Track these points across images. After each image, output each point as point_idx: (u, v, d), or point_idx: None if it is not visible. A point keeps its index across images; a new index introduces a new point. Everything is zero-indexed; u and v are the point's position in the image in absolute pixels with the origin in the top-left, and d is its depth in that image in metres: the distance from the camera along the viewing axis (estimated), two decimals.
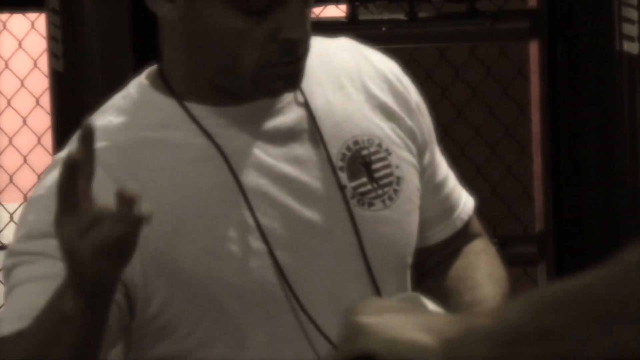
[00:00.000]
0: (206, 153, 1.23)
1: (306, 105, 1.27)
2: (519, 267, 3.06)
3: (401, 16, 3.02)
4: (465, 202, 1.40)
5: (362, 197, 1.26)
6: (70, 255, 1.04)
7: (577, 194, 2.96)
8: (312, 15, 1.29)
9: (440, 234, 1.37)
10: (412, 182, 1.30)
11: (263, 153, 1.24)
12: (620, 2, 2.79)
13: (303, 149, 1.25)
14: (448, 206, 1.38)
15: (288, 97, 1.26)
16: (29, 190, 4.65)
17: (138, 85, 1.29)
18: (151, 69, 1.29)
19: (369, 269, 1.25)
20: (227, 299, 1.21)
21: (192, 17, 1.20)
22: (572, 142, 2.96)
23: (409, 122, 1.31)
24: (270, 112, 1.26)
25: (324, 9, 3.42)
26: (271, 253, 1.21)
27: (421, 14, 2.90)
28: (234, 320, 1.22)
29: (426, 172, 1.34)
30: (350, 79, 1.31)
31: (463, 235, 1.39)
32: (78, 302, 1.07)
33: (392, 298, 1.03)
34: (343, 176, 1.25)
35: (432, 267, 1.39)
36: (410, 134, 1.31)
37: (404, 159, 1.29)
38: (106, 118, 1.27)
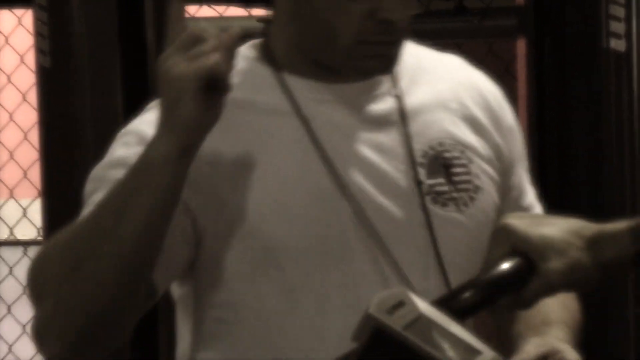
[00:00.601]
0: (292, 121, 1.25)
1: (400, 99, 1.28)
2: None
3: None
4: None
5: (437, 196, 1.27)
6: (171, 84, 1.09)
7: (564, 190, 2.94)
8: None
9: None
10: (490, 195, 1.31)
11: (349, 132, 1.26)
12: (608, 0, 2.79)
13: (388, 139, 1.27)
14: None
15: (384, 87, 1.29)
16: (15, 185, 4.66)
17: (240, 52, 1.28)
18: (257, 40, 1.33)
19: (440, 263, 1.26)
20: (285, 260, 1.22)
21: None
22: (560, 139, 2.96)
23: (497, 139, 1.33)
24: (365, 97, 1.28)
25: None
26: (355, 212, 1.22)
27: None
28: (289, 279, 1.23)
29: (511, 193, 1.35)
30: (449, 88, 1.33)
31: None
32: (167, 146, 1.10)
33: (376, 296, 1.01)
34: (422, 172, 1.26)
35: None
36: (497, 151, 1.33)
37: (485, 172, 1.30)
38: None
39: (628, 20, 2.79)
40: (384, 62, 1.25)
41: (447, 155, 1.28)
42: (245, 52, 1.30)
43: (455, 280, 1.23)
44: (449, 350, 0.94)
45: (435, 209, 1.26)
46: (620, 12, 2.79)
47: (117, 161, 1.23)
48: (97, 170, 1.26)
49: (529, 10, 2.96)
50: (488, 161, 1.31)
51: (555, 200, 2.90)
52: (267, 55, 1.30)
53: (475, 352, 0.94)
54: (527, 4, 2.98)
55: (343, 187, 1.24)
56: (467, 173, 1.29)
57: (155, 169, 1.11)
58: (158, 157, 1.10)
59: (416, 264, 1.25)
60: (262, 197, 1.22)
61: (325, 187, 1.24)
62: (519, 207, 1.36)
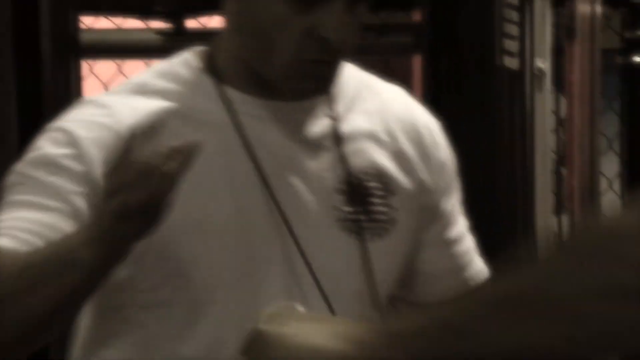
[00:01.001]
0: (228, 137, 1.25)
1: (335, 123, 1.29)
2: None
3: None
4: (480, 267, 1.40)
5: (351, 224, 1.28)
6: (95, 212, 1.11)
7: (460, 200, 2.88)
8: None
9: (442, 288, 1.34)
10: (407, 229, 1.32)
11: (279, 152, 1.26)
12: (502, 19, 2.85)
13: (316, 162, 1.27)
14: (459, 265, 1.39)
15: (321, 109, 1.28)
16: None
17: (184, 58, 1.31)
18: (202, 47, 1.32)
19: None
20: (194, 272, 1.23)
21: (246, 6, 1.24)
22: (454, 151, 2.88)
23: (424, 175, 1.33)
24: (301, 118, 1.28)
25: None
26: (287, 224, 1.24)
27: None
28: (195, 291, 1.23)
29: (436, 226, 1.36)
30: (383, 119, 1.32)
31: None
32: (92, 251, 1.08)
33: (268, 307, 1.05)
34: (341, 199, 1.27)
35: None
36: (422, 186, 1.33)
37: (405, 206, 1.31)
38: (146, 78, 1.31)
39: (521, 38, 2.85)
40: (320, 83, 1.24)
41: (368, 185, 1.29)
42: (190, 61, 1.30)
43: (343, 310, 1.24)
44: None
45: (346, 236, 1.27)
46: (514, 30, 2.85)
47: (43, 159, 1.22)
48: (23, 165, 1.24)
49: (425, 27, 2.99)
50: (410, 196, 1.32)
51: None
52: (211, 65, 1.29)
53: None
54: (423, 22, 3.01)
55: (266, 205, 1.24)
56: (386, 205, 1.30)
57: (80, 270, 1.10)
58: (85, 261, 1.09)
59: (319, 290, 1.26)
60: (182, 209, 1.19)
61: (250, 204, 1.24)
62: (444, 239, 1.37)
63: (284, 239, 1.25)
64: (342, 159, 1.28)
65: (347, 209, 1.28)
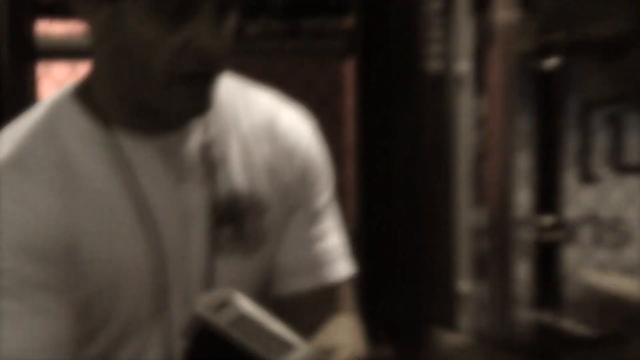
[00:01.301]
0: (122, 193, 1.17)
1: (207, 149, 1.22)
2: None
3: None
4: (342, 267, 1.34)
5: (224, 244, 1.24)
6: None
7: (385, 194, 3.10)
8: None
9: (299, 284, 1.31)
10: (277, 240, 1.29)
11: (164, 188, 1.19)
12: (426, 24, 2.96)
13: (192, 191, 1.21)
14: (317, 261, 1.32)
15: (196, 136, 1.22)
16: None
17: (61, 106, 1.20)
18: (76, 83, 1.22)
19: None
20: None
21: (111, 23, 1.10)
22: (384, 150, 3.09)
23: (289, 179, 1.28)
24: (181, 148, 1.21)
25: None
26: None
27: (249, 31, 3.03)
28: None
29: (297, 222, 1.30)
30: (255, 136, 1.27)
31: (328, 300, 1.33)
32: None
33: (206, 294, 1.10)
34: (213, 223, 1.23)
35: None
36: (288, 189, 1.28)
37: (276, 219, 1.27)
38: (24, 148, 1.16)
39: (445, 43, 2.97)
40: (199, 101, 1.14)
41: (240, 207, 1.25)
42: (67, 107, 1.19)
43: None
44: (268, 345, 1.01)
45: (219, 258, 1.24)
46: (439, 35, 2.98)
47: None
48: None
49: (358, 32, 3.12)
50: (280, 206, 1.28)
51: (378, 204, 3.12)
52: (92, 107, 1.18)
53: (292, 347, 1.01)
54: (356, 27, 3.13)
55: (153, 249, 1.19)
56: (257, 223, 1.26)
57: None
58: None
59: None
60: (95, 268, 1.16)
61: (133, 246, 1.19)
62: (304, 235, 1.31)
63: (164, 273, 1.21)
64: (217, 184, 1.23)
65: (220, 231, 1.24)
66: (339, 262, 1.33)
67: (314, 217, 1.31)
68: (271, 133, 1.28)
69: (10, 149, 1.15)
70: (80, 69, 3.21)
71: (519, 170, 3.10)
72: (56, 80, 3.23)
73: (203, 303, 1.02)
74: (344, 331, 1.30)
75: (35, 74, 3.00)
